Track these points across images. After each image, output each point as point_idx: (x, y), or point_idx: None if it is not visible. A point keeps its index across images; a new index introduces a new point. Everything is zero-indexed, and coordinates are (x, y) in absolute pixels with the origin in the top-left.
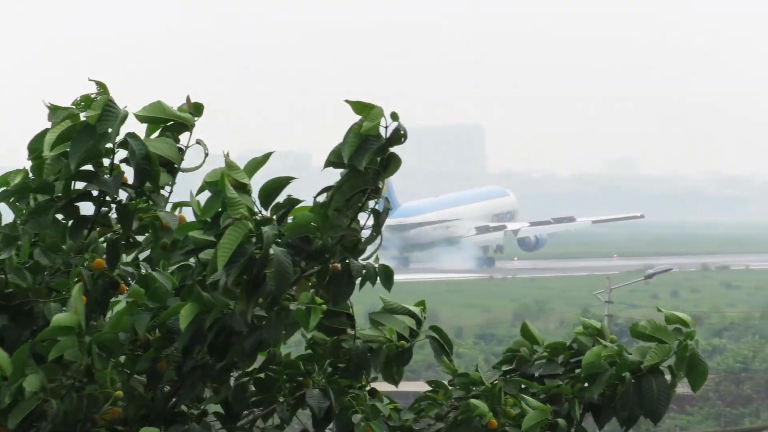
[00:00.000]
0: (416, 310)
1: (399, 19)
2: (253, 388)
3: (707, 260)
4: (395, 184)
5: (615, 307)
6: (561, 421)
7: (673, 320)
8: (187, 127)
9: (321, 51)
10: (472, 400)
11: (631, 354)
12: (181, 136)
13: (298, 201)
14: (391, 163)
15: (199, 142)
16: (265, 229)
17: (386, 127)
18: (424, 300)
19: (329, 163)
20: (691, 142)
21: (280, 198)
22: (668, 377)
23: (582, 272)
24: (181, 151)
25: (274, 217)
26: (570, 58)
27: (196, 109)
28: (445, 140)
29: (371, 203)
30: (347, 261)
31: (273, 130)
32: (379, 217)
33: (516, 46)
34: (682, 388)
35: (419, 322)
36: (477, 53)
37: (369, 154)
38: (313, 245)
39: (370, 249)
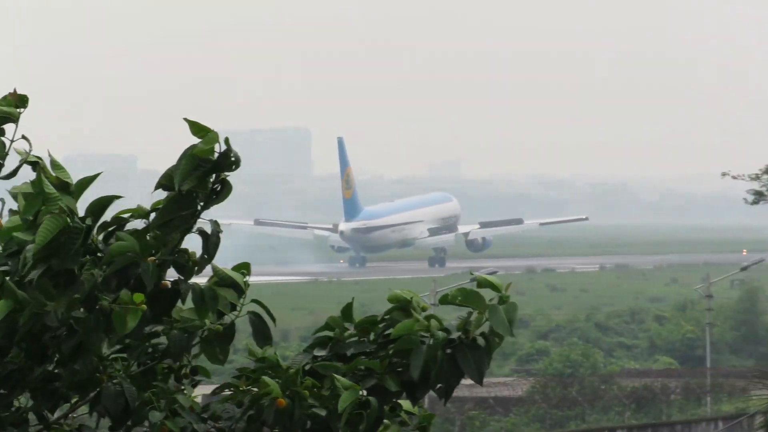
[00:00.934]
0: (238, 277)
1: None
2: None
3: (533, 263)
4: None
5: (442, 311)
6: (372, 399)
7: (485, 284)
8: (12, 119)
9: (138, 53)
10: (263, 377)
11: (446, 324)
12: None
13: (125, 221)
14: (224, 190)
15: (24, 137)
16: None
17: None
18: (248, 263)
19: (159, 185)
20: (516, 145)
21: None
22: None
23: (406, 275)
24: (4, 146)
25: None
26: (397, 63)
27: (21, 101)
28: (272, 143)
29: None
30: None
31: (98, 134)
32: (209, 239)
33: (342, 50)
34: (509, 390)
35: (241, 292)
36: (307, 57)
37: (193, 178)
38: (134, 271)
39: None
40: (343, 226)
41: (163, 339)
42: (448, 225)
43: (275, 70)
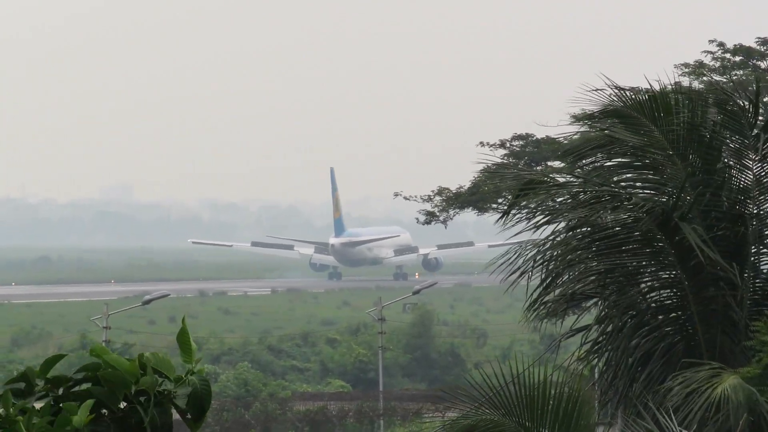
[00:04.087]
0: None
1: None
2: None
3: (205, 286)
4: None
5: (113, 333)
6: None
7: (183, 341)
8: None
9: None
10: None
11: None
12: None
13: None
14: None
15: None
16: None
17: None
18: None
19: None
20: (188, 168)
21: None
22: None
23: (78, 298)
24: None
25: None
26: (76, 85)
27: None
28: None
29: None
30: None
31: None
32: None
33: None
34: None
35: None
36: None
37: None
38: None
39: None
40: (333, 240)
41: None
42: (405, 250)
43: None
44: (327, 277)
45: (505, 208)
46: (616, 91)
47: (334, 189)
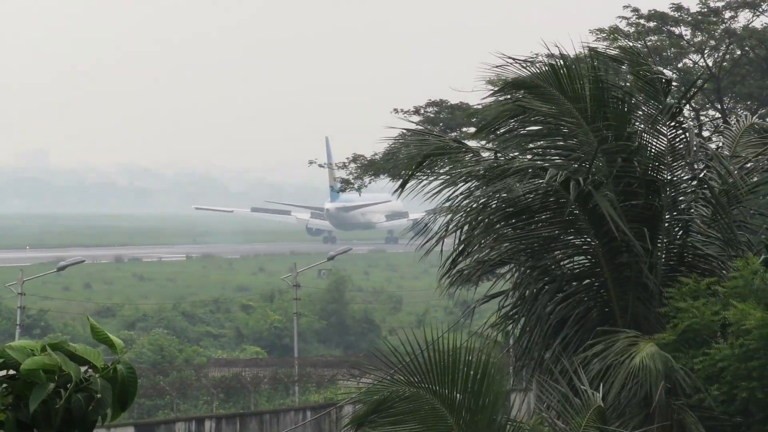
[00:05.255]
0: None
1: None
2: None
3: (120, 252)
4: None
5: (27, 299)
6: None
7: (102, 338)
8: None
9: None
10: None
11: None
12: None
13: None
14: None
15: None
16: None
17: None
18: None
19: None
20: (103, 133)
21: None
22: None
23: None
24: None
25: None
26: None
27: None
28: None
29: None
30: None
31: None
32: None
33: None
34: None
35: None
36: None
37: None
38: None
39: None
40: (329, 205)
41: None
42: (395, 215)
43: None
44: (322, 242)
45: (409, 174)
46: (521, 63)
47: (330, 158)
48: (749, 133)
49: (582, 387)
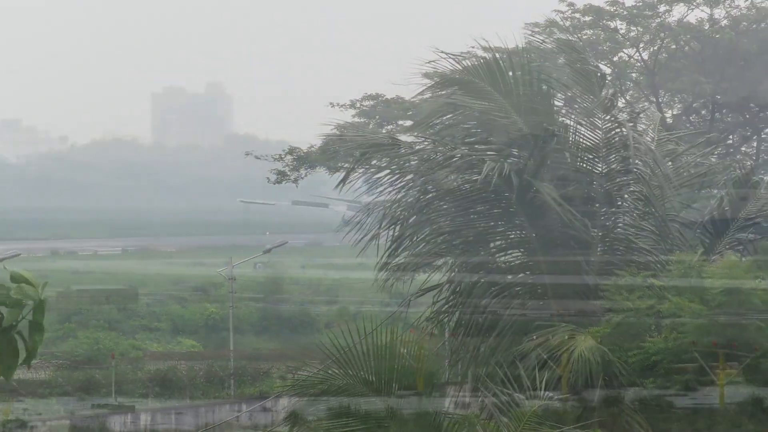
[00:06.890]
0: None
1: None
2: None
3: (56, 245)
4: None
5: None
6: None
7: (20, 280)
8: None
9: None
10: None
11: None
12: None
13: None
14: None
15: None
16: None
17: None
18: None
19: None
20: (34, 121)
21: None
22: None
23: None
24: None
25: None
26: None
27: None
28: None
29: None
30: None
31: None
32: None
33: None
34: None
35: None
36: None
37: None
38: None
39: None
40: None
41: None
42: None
43: None
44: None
45: (348, 169)
46: (454, 58)
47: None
48: (660, 130)
49: (524, 379)
